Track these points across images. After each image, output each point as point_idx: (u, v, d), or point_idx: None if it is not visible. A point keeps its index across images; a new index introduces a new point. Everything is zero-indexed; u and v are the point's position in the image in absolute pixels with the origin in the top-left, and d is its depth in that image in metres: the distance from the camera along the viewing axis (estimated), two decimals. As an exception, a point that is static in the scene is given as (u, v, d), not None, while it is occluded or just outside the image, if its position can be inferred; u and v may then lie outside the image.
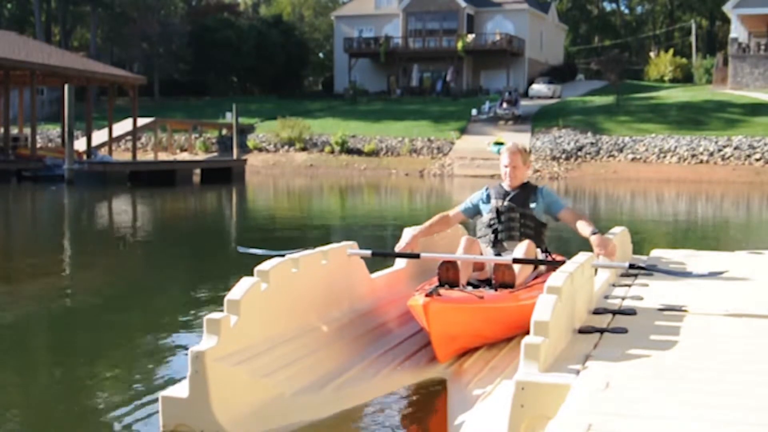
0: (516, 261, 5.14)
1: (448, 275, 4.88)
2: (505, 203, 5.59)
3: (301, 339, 4.47)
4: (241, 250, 6.09)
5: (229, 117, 40.48)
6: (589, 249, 5.19)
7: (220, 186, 28.59)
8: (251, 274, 4.31)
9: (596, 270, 5.32)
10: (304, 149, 42.39)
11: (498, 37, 54.13)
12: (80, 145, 32.03)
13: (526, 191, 5.63)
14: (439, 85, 54.30)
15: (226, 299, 4.05)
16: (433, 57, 55.08)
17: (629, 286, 5.63)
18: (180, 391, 3.81)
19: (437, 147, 40.97)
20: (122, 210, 20.02)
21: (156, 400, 3.98)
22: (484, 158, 37.37)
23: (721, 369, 3.54)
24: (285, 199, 25.48)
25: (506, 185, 5.67)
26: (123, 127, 37.77)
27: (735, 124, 39.47)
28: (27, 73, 30.75)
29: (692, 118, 41.10)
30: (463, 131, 42.91)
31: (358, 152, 41.40)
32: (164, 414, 3.80)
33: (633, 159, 37.87)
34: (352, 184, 32.51)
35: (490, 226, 5.61)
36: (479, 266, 5.42)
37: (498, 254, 5.47)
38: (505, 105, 44.50)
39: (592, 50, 73.15)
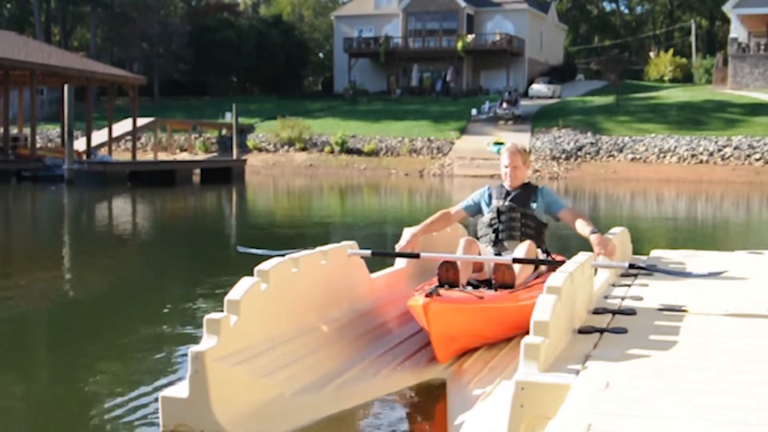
0: (516, 261, 5.14)
1: (448, 275, 4.89)
2: (506, 203, 5.59)
3: (301, 339, 4.48)
4: (241, 250, 6.09)
5: (229, 117, 40.50)
6: (589, 249, 5.19)
7: (219, 186, 28.59)
8: (251, 274, 4.31)
9: (596, 270, 5.32)
10: (303, 149, 42.39)
11: (498, 37, 54.14)
12: (80, 145, 32.04)
13: (526, 191, 5.64)
14: (439, 85, 54.30)
15: (226, 299, 4.05)
16: (433, 57, 55.09)
17: (629, 286, 5.63)
18: (180, 391, 3.81)
19: (437, 147, 40.98)
20: (122, 210, 20.02)
21: (156, 400, 3.99)
22: (483, 158, 37.38)
23: (721, 369, 3.54)
24: (285, 199, 25.48)
25: (507, 185, 5.67)
26: (123, 127, 37.77)
27: (735, 124, 39.48)
28: (27, 73, 30.75)
29: (692, 118, 41.10)
30: (462, 131, 42.92)
31: (358, 152, 41.40)
32: (164, 414, 3.80)
33: (633, 159, 37.87)
34: (351, 184, 32.51)
35: (491, 225, 5.62)
36: (479, 267, 5.42)
37: (498, 254, 5.47)
38: (504, 105, 44.51)
39: (592, 50, 73.16)
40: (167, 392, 3.85)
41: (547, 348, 3.48)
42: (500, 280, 4.91)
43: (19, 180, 27.60)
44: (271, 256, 4.68)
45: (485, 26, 56.15)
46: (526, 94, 51.06)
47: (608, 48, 68.10)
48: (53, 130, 45.10)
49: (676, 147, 37.65)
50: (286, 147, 42.72)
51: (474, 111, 45.42)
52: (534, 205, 5.59)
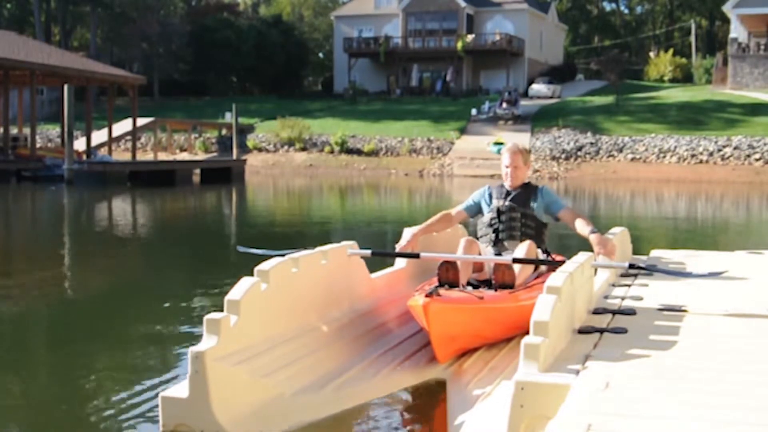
0: (516, 261, 5.14)
1: (448, 275, 4.88)
2: (506, 203, 5.59)
3: (301, 339, 4.48)
4: (241, 249, 6.09)
5: (229, 117, 40.50)
6: (589, 249, 5.19)
7: (219, 186, 28.59)
8: (251, 273, 4.31)
9: (596, 270, 5.32)
10: (303, 149, 42.39)
11: (498, 37, 54.14)
12: (80, 145, 32.04)
13: (526, 191, 5.64)
14: (439, 85, 54.30)
15: (226, 299, 4.05)
16: (432, 57, 55.09)
17: (629, 286, 5.63)
18: (180, 391, 3.81)
19: (437, 147, 40.98)
20: (122, 210, 20.02)
21: (156, 400, 3.99)
22: (483, 158, 37.38)
23: (721, 369, 3.54)
24: (285, 199, 25.48)
25: (507, 185, 5.67)
26: (123, 127, 37.78)
27: (735, 124, 39.48)
28: (27, 73, 30.75)
29: (692, 118, 41.11)
30: (462, 131, 42.92)
31: (358, 152, 41.40)
32: (164, 414, 3.80)
33: (633, 159, 37.87)
34: (351, 184, 32.51)
35: (491, 225, 5.61)
36: (479, 267, 5.42)
37: (498, 254, 5.47)
38: (504, 105, 44.51)
39: (592, 50, 73.16)
40: (167, 392, 3.85)
41: (547, 348, 3.48)
42: (500, 280, 4.91)
43: (19, 180, 27.60)
44: (271, 256, 4.68)
45: (485, 26, 56.15)
46: (525, 94, 51.06)
47: (608, 48, 68.10)
48: (53, 130, 45.10)
49: (675, 147, 37.65)
50: (285, 147, 42.72)
51: (474, 111, 45.42)
52: (534, 205, 5.59)
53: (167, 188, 26.66)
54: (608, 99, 46.08)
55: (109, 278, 9.30)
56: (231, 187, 28.33)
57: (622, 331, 4.20)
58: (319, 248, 4.96)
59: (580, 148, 38.92)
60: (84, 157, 30.29)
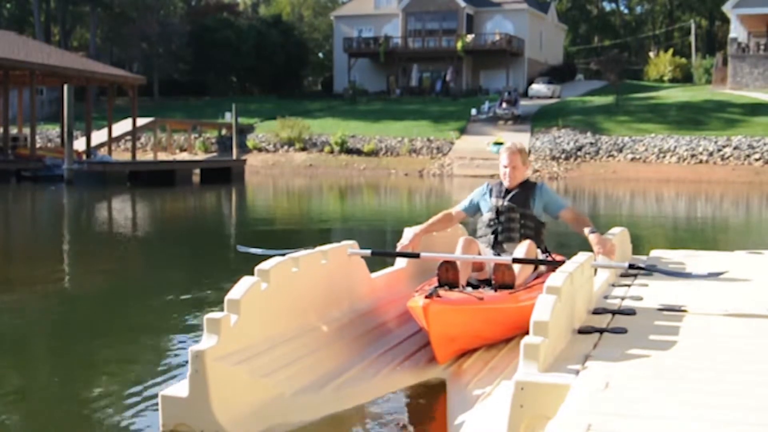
0: (516, 261, 5.14)
1: (448, 276, 4.88)
2: (505, 203, 5.57)
3: (301, 339, 4.48)
4: (241, 249, 6.09)
5: (229, 117, 40.50)
6: (589, 249, 5.20)
7: (219, 186, 28.59)
8: (251, 273, 4.31)
9: (596, 270, 5.32)
10: (303, 149, 42.38)
11: (497, 37, 54.14)
12: (80, 145, 32.03)
13: (525, 190, 5.63)
14: (439, 85, 54.29)
15: (226, 299, 4.05)
16: (432, 57, 55.08)
17: (629, 286, 5.63)
18: (180, 390, 3.82)
19: (437, 147, 40.97)
20: (122, 210, 20.02)
21: (156, 400, 3.99)
22: (483, 158, 37.39)
23: (721, 369, 3.54)
24: (284, 198, 25.48)
25: (506, 185, 5.66)
26: (122, 127, 37.77)
27: (734, 124, 39.48)
28: (26, 73, 30.74)
29: (692, 118, 41.11)
30: (462, 131, 42.92)
31: (358, 152, 41.40)
32: (164, 413, 3.80)
33: (632, 159, 37.87)
34: (351, 184, 32.51)
35: (489, 226, 5.60)
36: (479, 266, 5.42)
37: (498, 255, 5.46)
38: (504, 105, 44.50)
39: (592, 50, 73.17)
40: (167, 391, 3.86)
41: (547, 348, 3.48)
42: (500, 281, 4.91)
43: (19, 180, 27.60)
44: (271, 256, 4.68)
45: (485, 26, 56.15)
46: (525, 94, 51.06)
47: (608, 48, 68.10)
48: (53, 130, 45.09)
49: (675, 147, 37.65)
50: (285, 147, 42.72)
51: (474, 111, 45.42)
52: (533, 204, 5.58)
53: (167, 188, 26.66)
54: (608, 99, 46.08)
55: (109, 278, 9.30)
56: (231, 187, 28.32)
57: (622, 331, 4.20)
58: (319, 248, 4.96)
59: (579, 148, 38.92)
60: (84, 157, 30.28)
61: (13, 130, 35.06)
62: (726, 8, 50.76)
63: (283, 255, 4.68)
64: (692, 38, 65.38)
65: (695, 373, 3.47)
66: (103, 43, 61.74)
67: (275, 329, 4.32)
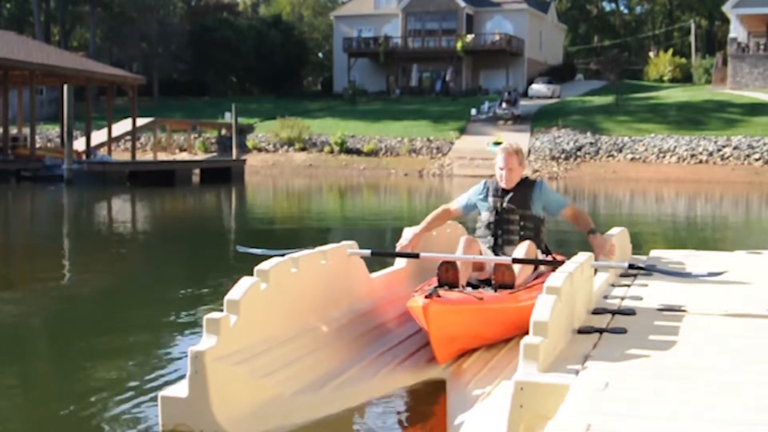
0: (516, 261, 5.13)
1: (448, 276, 4.88)
2: (505, 205, 5.53)
3: (301, 339, 4.47)
4: (241, 249, 6.09)
5: (228, 117, 40.48)
6: (589, 249, 5.19)
7: (219, 186, 28.58)
8: (251, 273, 4.31)
9: (596, 270, 5.32)
10: (303, 149, 42.38)
11: (497, 37, 54.14)
12: (79, 145, 32.02)
13: (524, 189, 5.56)
14: (439, 85, 54.30)
15: (225, 299, 4.05)
16: (432, 57, 55.08)
17: (628, 286, 5.63)
18: (179, 390, 3.81)
19: (436, 147, 40.97)
20: (121, 210, 20.02)
21: (155, 400, 3.99)
22: (483, 158, 37.36)
23: (720, 369, 3.54)
24: (284, 199, 25.48)
25: (503, 186, 5.59)
26: (122, 127, 37.76)
27: (734, 124, 39.48)
28: (26, 73, 30.73)
29: (691, 118, 41.11)
30: (462, 131, 42.91)
31: (358, 152, 41.39)
32: (164, 414, 3.80)
33: (632, 159, 37.87)
34: (351, 184, 32.51)
35: (488, 228, 5.56)
36: (479, 266, 5.41)
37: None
38: (504, 105, 44.50)
39: (592, 50, 73.17)
40: (167, 392, 3.85)
41: (547, 348, 3.48)
42: (500, 281, 4.90)
43: (19, 180, 27.59)
44: (270, 256, 4.68)
45: (485, 26, 56.15)
46: (525, 94, 51.05)
47: (608, 48, 68.14)
48: (53, 130, 45.08)
49: (675, 147, 37.65)
50: (285, 147, 42.71)
51: (473, 111, 45.42)
52: (532, 204, 5.53)
53: (167, 188, 26.65)
54: (608, 99, 46.08)
55: (109, 278, 9.29)
56: (230, 187, 28.32)
57: (622, 331, 4.20)
58: (318, 248, 4.96)
59: (579, 148, 38.92)
60: (83, 157, 30.27)
61: (13, 130, 35.04)
62: (726, 8, 50.76)
63: (283, 255, 4.68)
64: (692, 38, 65.38)
65: (695, 373, 3.47)
66: (102, 43, 61.69)
67: (275, 329, 4.32)
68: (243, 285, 4.14)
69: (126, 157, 35.56)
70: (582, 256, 4.64)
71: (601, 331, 4.19)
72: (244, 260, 5.63)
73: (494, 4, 57.00)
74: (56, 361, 5.63)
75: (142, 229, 15.64)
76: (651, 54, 68.17)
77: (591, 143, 39.15)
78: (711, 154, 36.84)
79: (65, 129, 27.92)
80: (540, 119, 43.74)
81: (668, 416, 2.90)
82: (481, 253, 5.39)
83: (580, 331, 4.16)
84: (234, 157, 34.94)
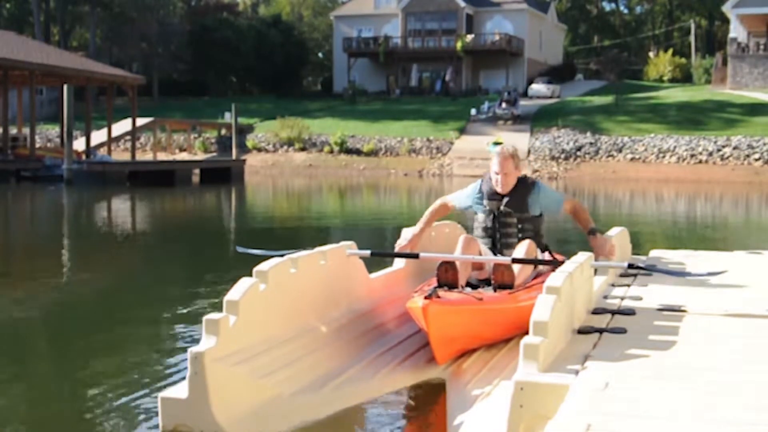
0: (515, 261, 5.12)
1: (447, 276, 4.87)
2: (502, 208, 5.47)
3: (300, 339, 4.47)
4: (240, 250, 6.09)
5: (228, 117, 40.46)
6: (589, 249, 5.19)
7: (219, 186, 28.58)
8: (250, 274, 4.30)
9: (595, 270, 5.31)
10: (303, 149, 42.37)
11: (497, 37, 54.14)
12: (79, 145, 32.01)
13: (521, 191, 5.48)
14: (438, 85, 54.29)
15: (225, 300, 4.05)
16: (432, 57, 55.07)
17: (628, 286, 5.63)
18: (179, 391, 3.81)
19: (436, 147, 40.97)
20: (121, 210, 20.02)
21: (155, 401, 3.98)
22: (483, 158, 37.34)
23: (720, 369, 3.54)
24: (284, 199, 25.48)
25: (499, 190, 5.49)
26: (122, 127, 37.75)
27: (734, 124, 39.47)
28: (26, 73, 30.72)
29: (691, 118, 41.10)
30: (462, 131, 42.91)
31: (357, 152, 41.39)
32: (163, 415, 3.80)
33: (632, 159, 37.87)
34: (351, 184, 32.50)
35: (486, 231, 5.53)
36: (478, 265, 5.40)
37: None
38: (504, 105, 44.50)
39: (592, 50, 73.17)
40: (166, 393, 3.85)
41: (547, 348, 3.48)
42: (499, 281, 4.89)
43: (19, 180, 27.58)
44: (269, 257, 4.68)
45: (484, 26, 56.15)
46: (525, 94, 51.05)
47: (607, 48, 68.15)
48: (52, 130, 45.07)
49: (675, 147, 37.64)
50: (285, 147, 42.71)
51: (473, 111, 45.41)
52: (530, 206, 5.47)
53: (166, 188, 26.65)
54: (608, 99, 46.08)
55: (108, 278, 9.29)
56: (230, 187, 28.31)
57: (622, 331, 4.20)
58: (317, 249, 4.96)
59: (579, 148, 38.92)
60: (83, 157, 30.26)
61: (13, 130, 35.03)
62: (726, 8, 50.76)
63: (282, 256, 4.68)
64: (692, 38, 65.38)
65: (695, 373, 3.46)
66: (102, 43, 61.68)
67: (274, 330, 4.32)
68: (242, 286, 4.14)
69: (126, 157, 35.55)
70: (582, 256, 4.64)
71: (601, 331, 4.19)
72: (244, 260, 5.63)
73: (494, 4, 57.00)
74: (56, 361, 5.63)
75: (142, 229, 15.63)
76: (651, 54, 68.17)
77: (591, 143, 39.15)
78: (711, 154, 36.84)
79: (65, 129, 27.90)
80: (540, 119, 43.74)
81: (668, 416, 2.90)
82: (480, 253, 5.38)
83: (580, 331, 4.16)
84: (234, 157, 34.93)
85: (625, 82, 56.38)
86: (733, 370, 3.51)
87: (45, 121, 46.99)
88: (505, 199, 5.48)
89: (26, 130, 33.74)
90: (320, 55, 70.58)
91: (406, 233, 5.65)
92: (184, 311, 7.06)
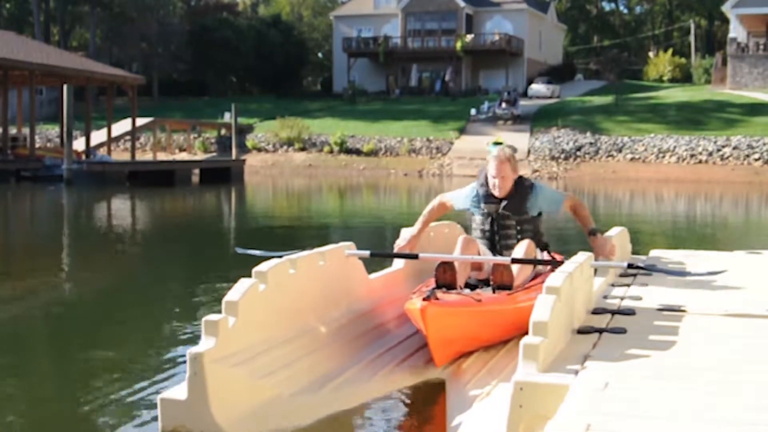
0: (514, 261, 5.11)
1: (446, 277, 4.85)
2: (500, 211, 5.42)
3: (300, 340, 4.47)
4: (240, 251, 6.08)
5: (228, 117, 40.47)
6: (589, 249, 5.18)
7: (218, 186, 28.58)
8: (249, 275, 4.30)
9: (595, 270, 5.31)
10: (303, 149, 42.37)
11: (497, 37, 54.14)
12: (79, 145, 32.00)
13: (519, 193, 5.42)
14: (438, 85, 54.28)
15: (224, 300, 4.05)
16: (432, 57, 55.07)
17: (628, 286, 5.63)
18: (179, 392, 3.81)
19: (436, 147, 40.97)
20: (121, 210, 20.01)
21: (155, 402, 3.98)
22: (483, 158, 37.31)
23: (720, 369, 3.53)
24: (284, 199, 25.47)
25: (497, 194, 5.43)
26: (122, 127, 37.75)
27: (734, 124, 39.48)
28: (26, 73, 30.72)
29: (691, 118, 41.10)
30: (462, 131, 42.90)
31: (357, 152, 41.39)
32: (163, 416, 3.79)
33: (632, 159, 37.87)
34: (351, 184, 32.50)
35: (484, 234, 5.50)
36: (477, 265, 5.38)
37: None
38: (504, 105, 44.50)
39: (591, 50, 73.17)
40: (166, 394, 3.85)
41: (546, 348, 3.48)
42: (498, 281, 4.87)
43: (18, 180, 27.58)
44: (269, 258, 4.67)
45: (484, 26, 56.15)
46: (525, 94, 51.04)
47: (607, 48, 68.17)
48: (52, 130, 45.07)
49: (675, 147, 37.65)
50: (285, 147, 42.70)
51: (473, 111, 45.41)
52: (529, 208, 5.42)
53: (166, 188, 26.65)
54: (607, 99, 46.09)
55: (108, 279, 9.29)
56: (230, 188, 28.31)
57: (621, 331, 4.20)
58: (317, 249, 4.95)
59: (579, 148, 38.92)
60: (83, 157, 30.26)
61: (13, 130, 35.03)
62: (725, 8, 50.76)
63: (281, 257, 4.67)
64: (692, 38, 65.39)
65: (695, 373, 3.46)
66: (102, 43, 61.68)
67: (273, 331, 4.31)
68: (241, 286, 4.14)
69: (125, 157, 35.55)
70: (582, 256, 4.63)
71: (600, 331, 4.19)
72: (243, 261, 5.62)
73: (494, 4, 57.00)
74: (56, 362, 5.62)
75: (142, 229, 15.63)
76: (651, 54, 68.16)
77: (591, 143, 39.15)
78: (711, 154, 36.84)
79: (65, 129, 27.90)
80: (539, 119, 43.74)
81: (668, 416, 2.89)
82: (479, 253, 5.37)
83: (580, 331, 4.16)
84: (233, 157, 34.93)
85: (624, 82, 56.38)
86: (733, 370, 3.51)
87: (45, 121, 46.99)
88: (503, 203, 5.42)
89: (26, 130, 33.73)
90: (320, 55, 70.59)
91: (406, 233, 5.65)
92: (184, 312, 7.06)
